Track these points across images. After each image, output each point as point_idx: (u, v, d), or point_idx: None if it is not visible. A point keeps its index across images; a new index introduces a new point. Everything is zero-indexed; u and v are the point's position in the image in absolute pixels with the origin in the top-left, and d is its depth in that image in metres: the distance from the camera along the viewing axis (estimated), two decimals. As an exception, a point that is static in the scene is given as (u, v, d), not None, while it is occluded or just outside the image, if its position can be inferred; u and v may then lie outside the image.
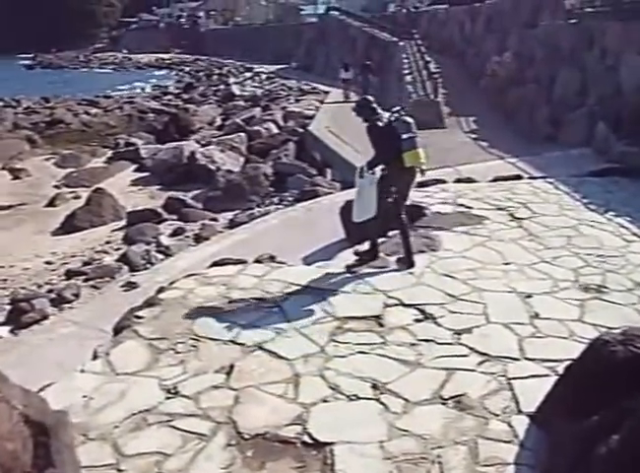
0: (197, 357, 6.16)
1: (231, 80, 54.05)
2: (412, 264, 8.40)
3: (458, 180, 13.66)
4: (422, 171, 8.61)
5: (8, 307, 11.61)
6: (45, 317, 10.47)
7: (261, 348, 6.32)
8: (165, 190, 20.60)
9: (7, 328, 10.54)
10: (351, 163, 18.23)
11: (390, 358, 6.20)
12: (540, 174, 14.14)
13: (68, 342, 9.68)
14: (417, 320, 6.97)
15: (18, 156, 27.95)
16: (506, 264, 8.69)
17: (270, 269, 8.40)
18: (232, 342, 6.43)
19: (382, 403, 5.50)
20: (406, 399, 5.55)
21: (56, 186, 22.94)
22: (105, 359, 6.19)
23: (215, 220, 15.95)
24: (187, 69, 78.74)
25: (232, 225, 14.80)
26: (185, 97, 46.45)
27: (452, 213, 11.09)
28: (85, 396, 5.57)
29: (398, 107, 8.73)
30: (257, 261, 8.78)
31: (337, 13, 55.05)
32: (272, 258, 8.80)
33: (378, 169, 8.48)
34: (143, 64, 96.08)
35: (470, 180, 13.59)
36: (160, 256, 13.01)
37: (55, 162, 26.66)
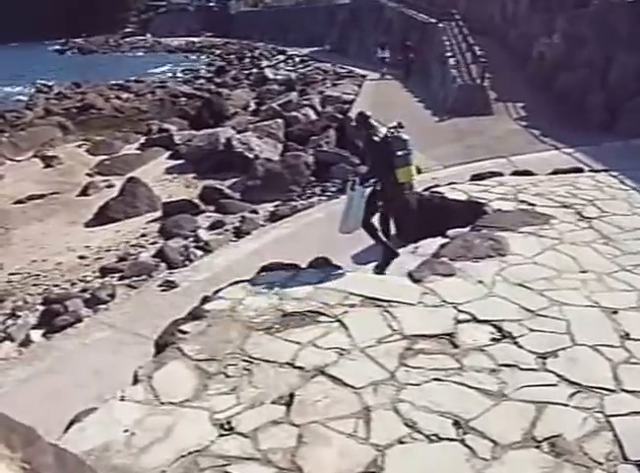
0: (251, 383, 5.44)
1: (264, 63, 53.23)
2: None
3: (515, 173, 12.79)
4: (412, 187, 8.75)
5: (41, 308, 11.04)
6: (79, 320, 9.86)
7: (323, 373, 5.58)
8: (201, 179, 19.93)
9: (39, 332, 9.94)
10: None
11: (470, 387, 5.44)
12: (602, 167, 13.22)
13: (103, 348, 9.05)
14: (495, 340, 6.19)
15: (50, 143, 27.48)
16: (583, 272, 7.86)
17: (325, 276, 7.63)
18: (290, 365, 5.69)
19: (467, 446, 4.75)
20: (494, 441, 4.80)
21: (89, 174, 22.41)
22: (148, 383, 5.48)
23: (255, 212, 15.19)
24: (218, 52, 77.92)
25: (274, 218, 14.08)
26: (217, 80, 45.76)
27: (514, 211, 10.25)
28: (126, 431, 4.87)
29: (395, 123, 8.70)
30: (311, 266, 8.01)
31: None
32: (327, 262, 8.03)
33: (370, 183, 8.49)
34: (173, 48, 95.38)
35: (528, 173, 12.71)
36: (199, 252, 12.33)
37: (87, 148, 26.14)
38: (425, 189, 12.11)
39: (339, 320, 6.48)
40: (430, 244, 9.09)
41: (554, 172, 12.75)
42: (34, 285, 12.75)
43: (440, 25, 33.45)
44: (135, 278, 11.53)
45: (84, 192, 20.04)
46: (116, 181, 20.96)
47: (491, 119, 20.09)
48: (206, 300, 7.23)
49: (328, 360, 5.77)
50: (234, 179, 18.92)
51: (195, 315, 6.74)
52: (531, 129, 18.47)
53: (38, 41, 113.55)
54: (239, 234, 13.29)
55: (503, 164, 14.60)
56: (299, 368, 5.64)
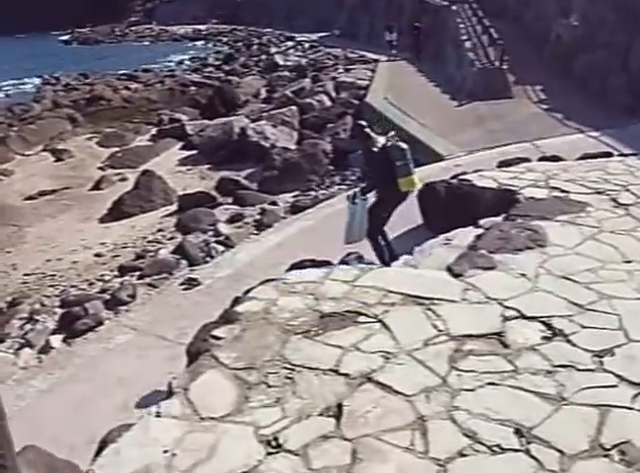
0: (295, 393, 5.10)
1: (273, 49, 52.76)
2: None
3: (543, 158, 12.43)
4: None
5: (59, 311, 10.74)
6: (100, 323, 9.55)
7: (370, 380, 5.23)
8: (216, 170, 19.63)
9: (59, 337, 9.61)
10: (417, 138, 17.06)
11: (527, 391, 5.09)
12: (631, 151, 12.83)
13: (127, 353, 8.73)
14: (546, 338, 5.83)
15: (59, 136, 27.25)
16: (627, 262, 7.48)
17: (360, 273, 7.25)
18: (334, 372, 5.35)
19: (533, 457, 4.41)
20: (561, 451, 4.45)
21: (101, 168, 22.15)
22: (184, 396, 5.14)
23: (274, 204, 14.86)
24: (225, 40, 77.54)
25: (295, 209, 13.74)
26: (226, 68, 45.38)
27: (548, 198, 9.85)
28: (166, 451, 4.54)
29: (392, 132, 8.85)
30: (343, 262, 7.66)
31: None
32: (360, 258, 7.68)
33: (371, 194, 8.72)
34: (179, 36, 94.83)
35: (556, 158, 12.34)
36: (220, 247, 12.00)
37: (98, 141, 25.89)
38: (452, 177, 11.78)
39: (380, 321, 6.13)
40: (465, 235, 8.69)
41: (583, 157, 12.35)
42: (51, 286, 12.47)
43: (453, 7, 32.98)
44: (155, 276, 11.21)
45: (96, 186, 19.79)
46: (129, 174, 20.69)
47: (511, 103, 19.72)
48: (237, 301, 6.88)
49: (374, 365, 5.42)
50: (250, 169, 18.62)
51: (227, 319, 6.40)
52: (553, 112, 18.09)
53: (44, 32, 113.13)
54: (260, 227, 12.97)
55: (528, 148, 14.22)
56: (345, 374, 5.30)
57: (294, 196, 15.64)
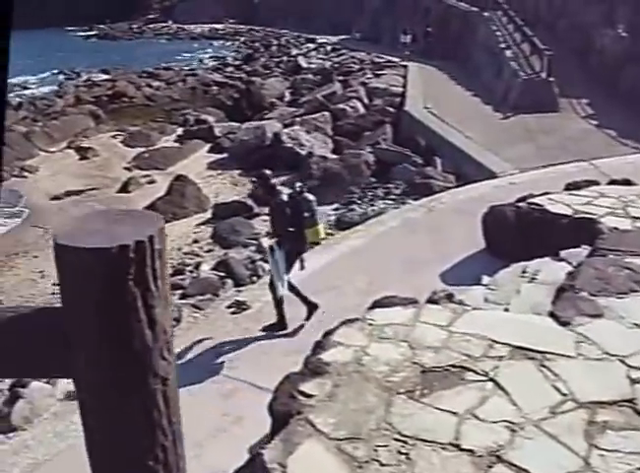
0: (415, 475, 4.30)
1: (294, 51, 51.99)
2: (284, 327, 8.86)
3: (613, 182, 11.60)
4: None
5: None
6: (144, 347, 8.72)
7: (500, 459, 4.43)
8: (247, 175, 18.85)
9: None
10: (464, 151, 16.29)
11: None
12: None
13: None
14: (686, 407, 5.03)
15: (83, 133, 26.55)
16: None
17: (454, 315, 6.43)
18: (455, 446, 4.55)
19: None
20: None
21: (127, 168, 21.42)
22: None
23: (317, 217, 14.03)
24: (242, 39, 77.08)
25: (341, 225, 12.94)
26: (247, 69, 44.55)
27: (634, 230, 9.08)
28: None
29: (300, 183, 9.32)
30: (432, 301, 6.84)
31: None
32: (449, 297, 6.86)
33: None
34: (197, 34, 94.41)
35: (628, 182, 11.51)
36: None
37: (123, 140, 25.13)
38: (519, 199, 11.01)
39: (492, 379, 5.33)
40: (550, 270, 7.90)
41: (654, 181, 11.57)
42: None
43: (485, 13, 32.16)
44: (200, 297, 10.39)
45: (124, 188, 19.05)
46: (157, 176, 19.96)
47: (559, 117, 18.90)
48: (320, 346, 6.06)
49: (499, 439, 4.62)
50: (284, 177, 17.78)
51: (314, 370, 5.59)
52: (605, 129, 17.26)
53: (62, 27, 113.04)
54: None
55: (587, 168, 13.44)
56: (468, 451, 4.49)
57: (335, 209, 14.83)
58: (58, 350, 1.49)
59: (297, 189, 8.77)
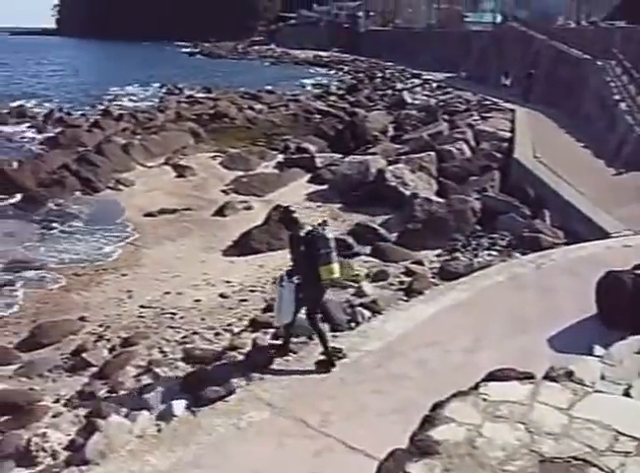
0: None
1: (399, 85, 51.62)
2: (332, 365, 8.62)
3: None
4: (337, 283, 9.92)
5: (182, 365, 9.50)
6: (231, 392, 8.20)
7: None
8: (348, 211, 18.31)
9: (183, 403, 8.28)
10: (574, 206, 15.38)
11: None
12: None
13: (262, 436, 7.35)
14: None
15: (181, 150, 26.52)
16: None
17: (574, 397, 5.63)
18: None
19: None
20: None
21: (224, 191, 21.16)
22: None
23: (420, 263, 13.32)
24: (346, 69, 77.36)
25: (445, 275, 12.23)
26: (350, 99, 44.31)
27: None
28: None
29: (322, 220, 9.91)
30: (549, 378, 6.08)
31: (516, 24, 51.75)
32: (568, 375, 6.08)
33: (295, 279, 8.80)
34: (300, 60, 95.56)
35: None
36: (367, 312, 10.57)
37: (222, 161, 24.97)
38: (637, 267, 10.13)
39: (622, 481, 4.56)
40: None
41: None
42: (171, 327, 11.23)
43: (599, 62, 31.05)
44: (293, 339, 9.82)
45: (220, 212, 18.71)
46: (254, 203, 19.62)
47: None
48: (429, 420, 5.37)
49: None
50: (385, 216, 17.20)
51: (423, 449, 4.90)
52: None
53: (169, 43, 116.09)
54: (409, 292, 11.48)
55: None
56: None
57: (437, 255, 14.12)
58: None
59: (318, 226, 8.84)
